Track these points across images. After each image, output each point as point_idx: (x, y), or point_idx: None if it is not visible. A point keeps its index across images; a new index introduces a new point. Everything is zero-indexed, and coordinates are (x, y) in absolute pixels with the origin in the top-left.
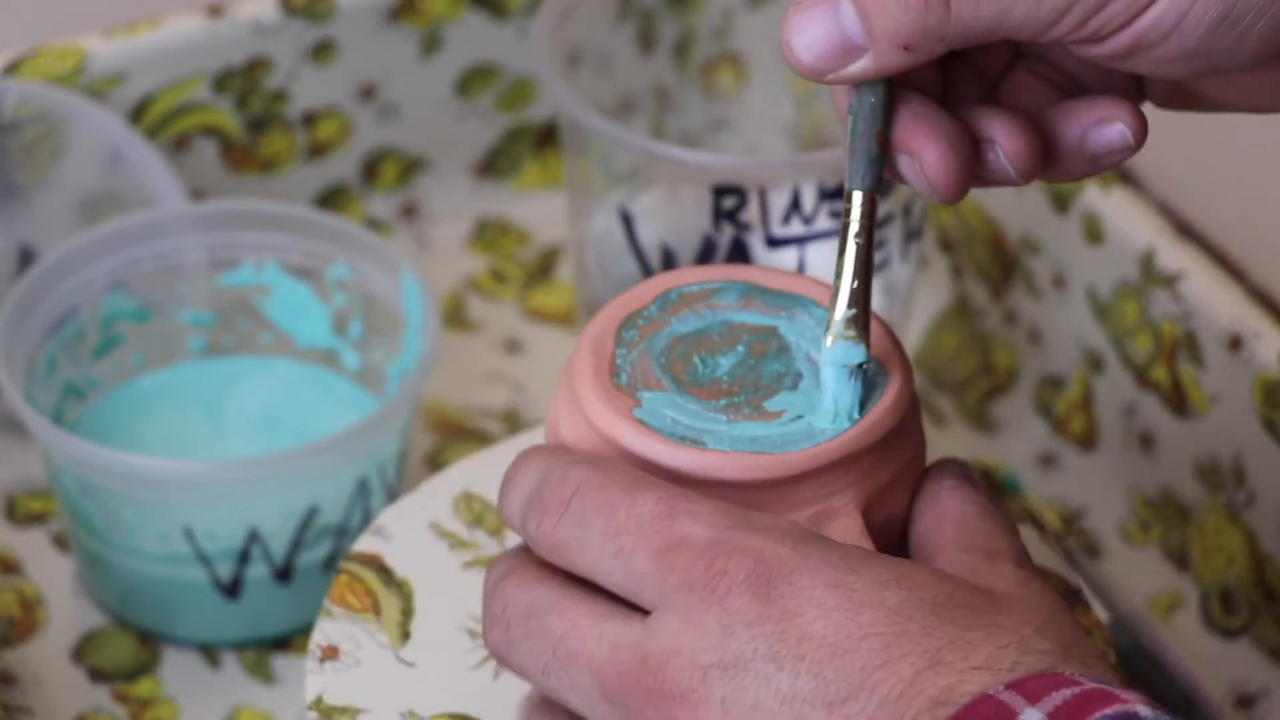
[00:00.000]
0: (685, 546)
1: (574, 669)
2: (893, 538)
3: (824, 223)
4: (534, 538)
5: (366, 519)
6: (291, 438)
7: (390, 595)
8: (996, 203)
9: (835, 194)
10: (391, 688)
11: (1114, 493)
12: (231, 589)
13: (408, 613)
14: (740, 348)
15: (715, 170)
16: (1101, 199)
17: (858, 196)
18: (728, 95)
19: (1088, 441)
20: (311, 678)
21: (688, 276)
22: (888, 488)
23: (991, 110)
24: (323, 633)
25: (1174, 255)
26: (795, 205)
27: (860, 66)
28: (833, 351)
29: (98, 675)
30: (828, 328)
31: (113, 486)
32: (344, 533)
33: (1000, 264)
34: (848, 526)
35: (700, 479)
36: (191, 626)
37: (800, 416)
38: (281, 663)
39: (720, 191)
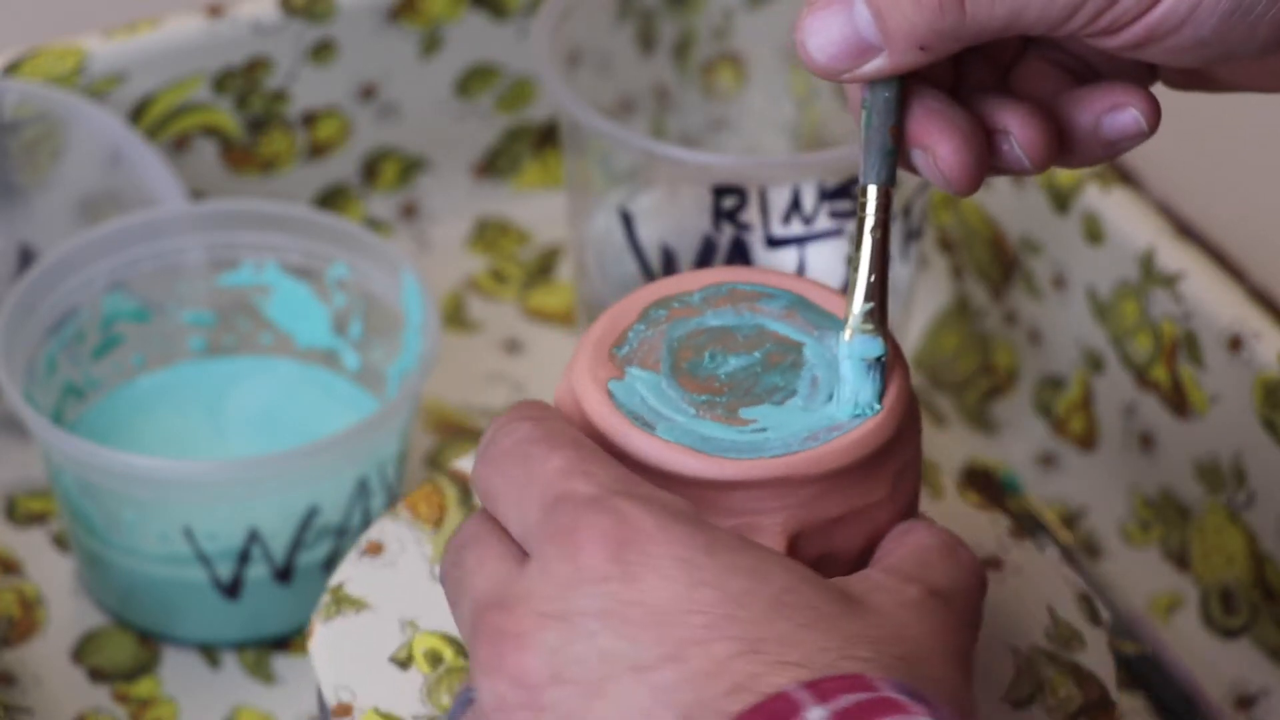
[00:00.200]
0: (568, 502)
1: (464, 601)
2: (828, 575)
3: (824, 223)
4: (477, 485)
5: (366, 519)
6: (291, 438)
7: (459, 515)
8: (996, 203)
9: (835, 194)
10: (409, 597)
11: (1114, 493)
12: (231, 589)
13: None
14: (757, 354)
15: (715, 170)
16: (1101, 199)
17: (872, 190)
18: (728, 95)
19: (1088, 441)
20: (345, 565)
21: (745, 275)
22: (834, 523)
23: (1004, 100)
24: (379, 528)
25: (1174, 255)
26: (795, 205)
27: (876, 66)
28: (851, 345)
29: (98, 675)
30: (845, 321)
31: (113, 486)
32: (344, 533)
33: (1000, 264)
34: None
35: (638, 461)
36: (191, 626)
37: (765, 430)
38: (281, 663)
39: (720, 191)
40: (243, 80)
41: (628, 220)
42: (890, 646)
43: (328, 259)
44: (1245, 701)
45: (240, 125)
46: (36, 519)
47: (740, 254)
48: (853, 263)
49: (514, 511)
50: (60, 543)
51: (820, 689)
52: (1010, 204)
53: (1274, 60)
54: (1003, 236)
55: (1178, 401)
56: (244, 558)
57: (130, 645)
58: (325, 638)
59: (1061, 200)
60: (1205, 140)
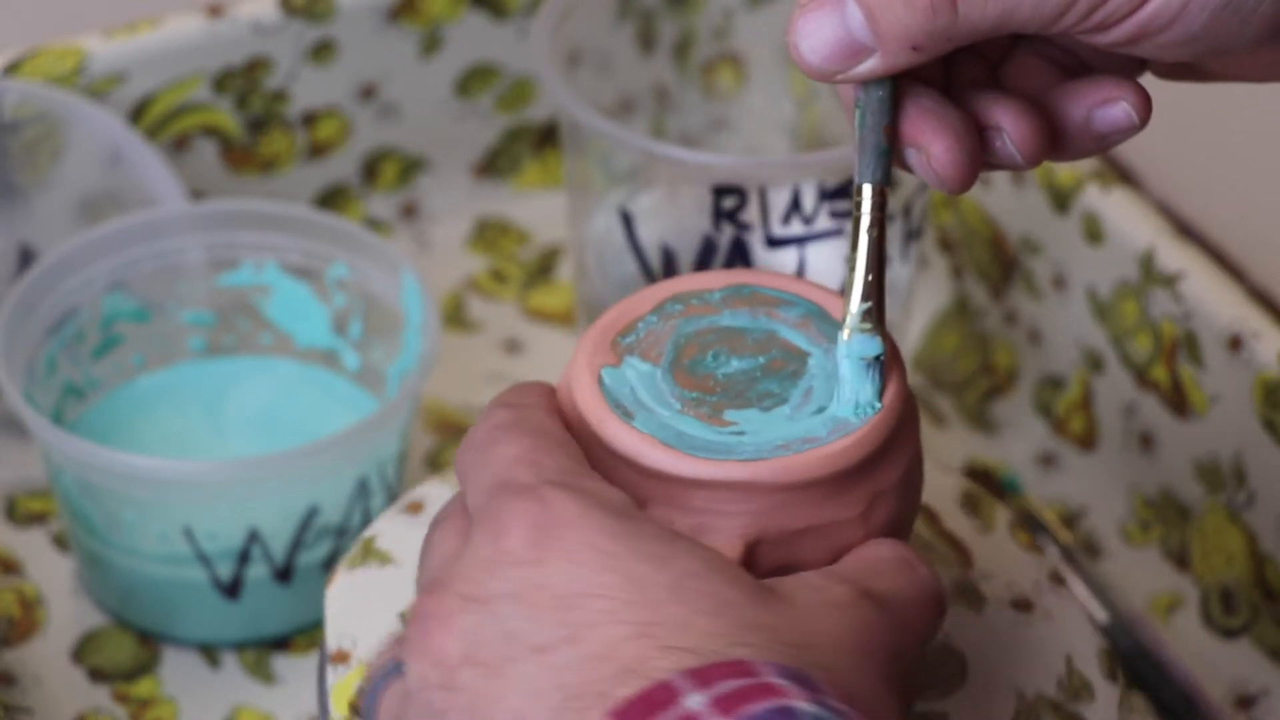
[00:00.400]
0: (505, 489)
1: (424, 575)
2: None
3: (824, 223)
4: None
5: (366, 519)
6: (291, 438)
7: None
8: (996, 203)
9: (835, 194)
10: None
11: (1114, 493)
12: (231, 589)
13: None
14: (761, 358)
15: (715, 170)
16: (1101, 199)
17: (868, 190)
18: (728, 95)
19: (1088, 441)
20: (382, 519)
21: (770, 280)
22: (797, 535)
23: (996, 96)
24: (425, 489)
25: (1174, 255)
26: (795, 205)
27: (869, 67)
28: (849, 345)
29: (98, 675)
30: (843, 321)
31: (113, 486)
32: (344, 533)
33: (1000, 264)
34: (718, 547)
35: (608, 448)
36: (191, 626)
37: (743, 434)
38: (281, 663)
39: (720, 191)
40: (243, 80)
41: (628, 220)
42: (787, 635)
43: (328, 259)
44: (1245, 701)
45: (240, 125)
46: (36, 519)
47: (740, 254)
48: (850, 262)
49: (470, 496)
50: (60, 543)
51: (702, 676)
52: (1010, 204)
53: (1265, 53)
54: (1003, 236)
55: (1178, 401)
56: (244, 558)
57: (130, 645)
58: (344, 585)
59: (1061, 200)
60: (1205, 140)
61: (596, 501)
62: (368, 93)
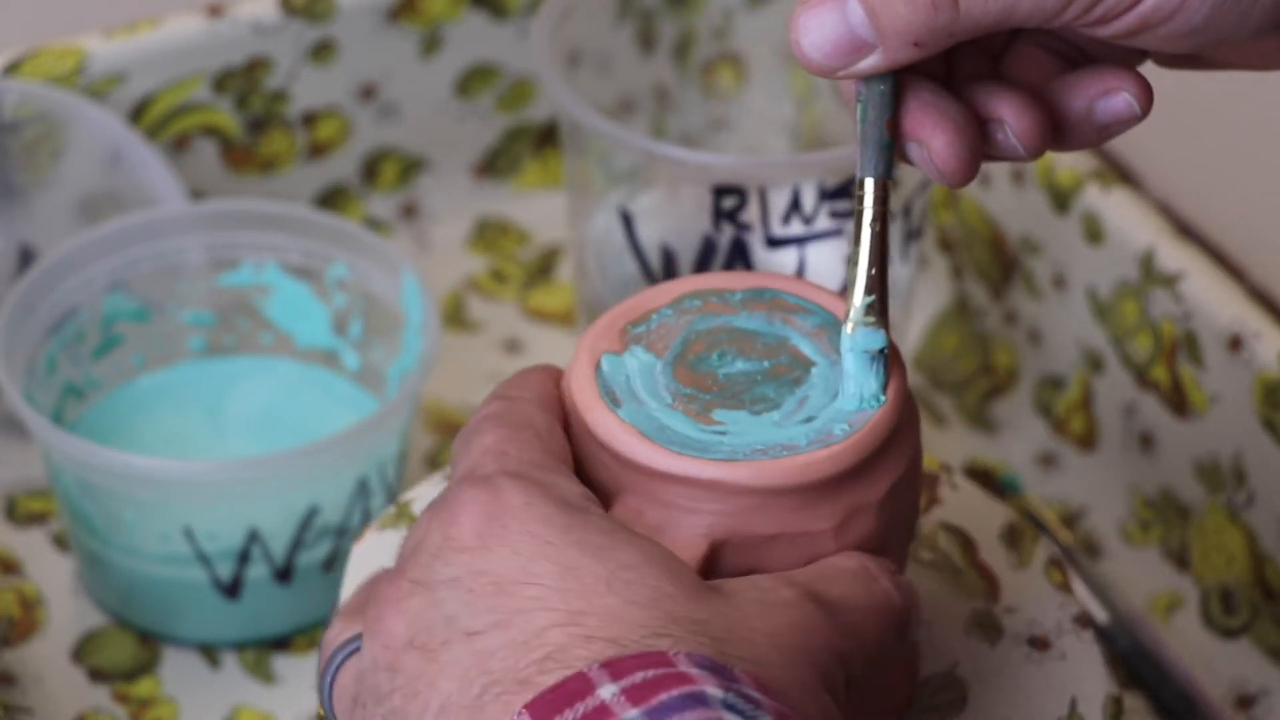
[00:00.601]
0: (468, 477)
1: (396, 560)
2: None
3: (824, 223)
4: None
5: (366, 519)
6: (291, 438)
7: None
8: (996, 203)
9: (835, 194)
10: None
11: (1114, 493)
12: (231, 589)
13: None
14: (766, 362)
15: (715, 170)
16: (1101, 199)
17: (870, 184)
18: (728, 95)
19: (1088, 441)
20: (424, 485)
21: (794, 288)
22: (765, 541)
23: (997, 88)
24: None
25: (1174, 255)
26: (795, 205)
27: (870, 63)
28: (853, 338)
29: (98, 675)
30: (847, 315)
31: (113, 486)
32: (344, 533)
33: (1000, 264)
34: (679, 543)
35: (590, 434)
36: (191, 626)
37: (725, 434)
38: (281, 663)
39: (720, 191)
40: (243, 80)
41: (628, 220)
42: (714, 629)
43: (328, 259)
44: (1245, 701)
45: (240, 125)
46: (36, 519)
47: (740, 254)
48: (853, 256)
49: (452, 482)
50: (60, 543)
51: (618, 666)
52: (1010, 204)
53: (1267, 42)
54: (1003, 236)
55: (1178, 401)
56: (244, 558)
57: (130, 645)
58: (370, 545)
59: (1061, 200)
60: (1205, 140)
61: (545, 493)
62: (368, 93)
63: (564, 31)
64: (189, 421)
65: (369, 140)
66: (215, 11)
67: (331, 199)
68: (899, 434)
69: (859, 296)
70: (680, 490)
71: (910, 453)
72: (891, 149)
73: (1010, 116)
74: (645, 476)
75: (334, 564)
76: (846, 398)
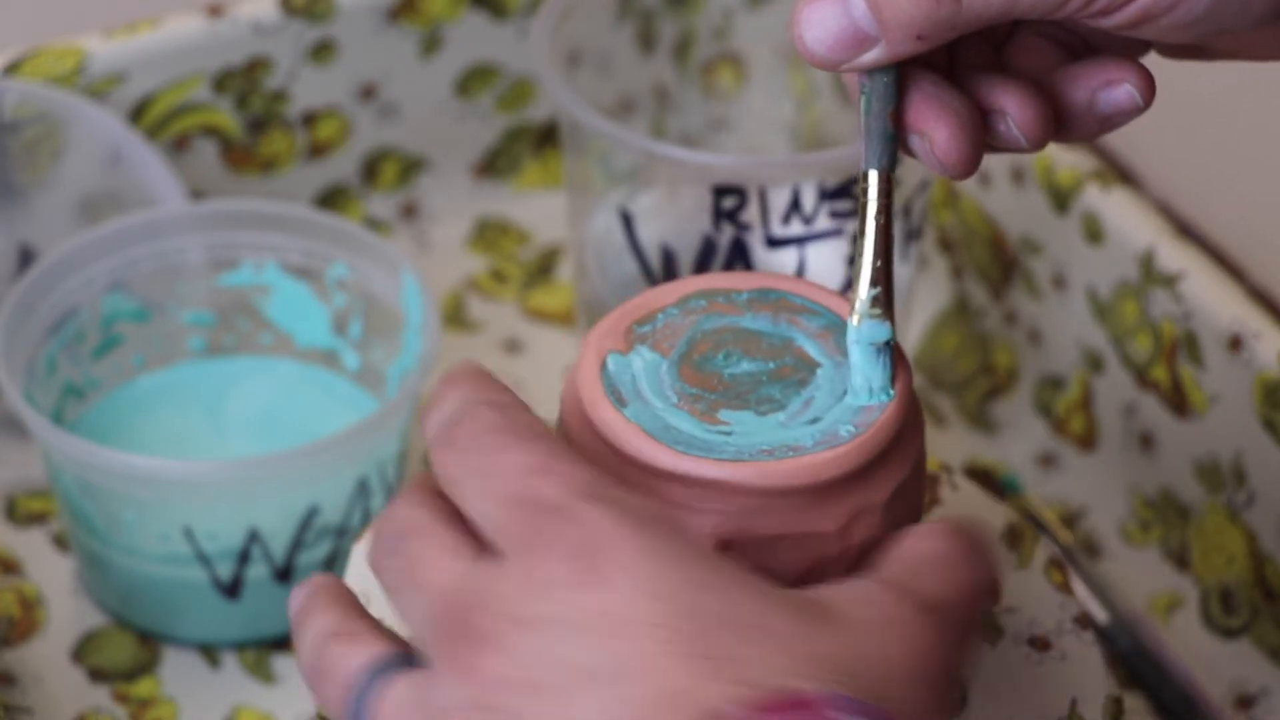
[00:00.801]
0: (532, 503)
1: (417, 594)
2: None
3: (824, 223)
4: (435, 468)
5: (366, 519)
6: (291, 438)
7: None
8: (996, 203)
9: (835, 194)
10: None
11: (1114, 493)
12: (231, 589)
13: None
14: (771, 363)
15: (715, 170)
16: (1101, 199)
17: (874, 176)
18: (728, 95)
19: (1088, 441)
20: None
21: (802, 289)
22: (770, 541)
23: (1000, 80)
24: None
25: (1174, 255)
26: (795, 205)
27: (873, 56)
28: (860, 330)
29: (98, 675)
30: (853, 307)
31: (113, 486)
32: (344, 533)
33: (1000, 264)
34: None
35: (601, 434)
36: (191, 626)
37: (730, 434)
38: (281, 663)
39: (720, 191)
40: (243, 80)
41: (628, 220)
42: (848, 663)
43: (328, 259)
44: (1245, 701)
45: (240, 125)
46: (36, 519)
47: (740, 254)
48: (857, 249)
49: (476, 504)
50: (60, 543)
51: (760, 708)
52: (1010, 204)
53: (1270, 31)
54: (1003, 236)
55: (1178, 401)
56: (244, 558)
57: (130, 645)
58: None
59: (1061, 200)
60: (1205, 140)
61: (634, 518)
62: (368, 93)
63: (564, 31)
64: (189, 421)
65: (369, 140)
66: (215, 11)
67: (331, 199)
68: (904, 435)
69: (864, 289)
70: (685, 490)
71: (915, 454)
72: (895, 141)
73: (1012, 108)
74: (650, 476)
75: (334, 564)
76: (855, 391)
